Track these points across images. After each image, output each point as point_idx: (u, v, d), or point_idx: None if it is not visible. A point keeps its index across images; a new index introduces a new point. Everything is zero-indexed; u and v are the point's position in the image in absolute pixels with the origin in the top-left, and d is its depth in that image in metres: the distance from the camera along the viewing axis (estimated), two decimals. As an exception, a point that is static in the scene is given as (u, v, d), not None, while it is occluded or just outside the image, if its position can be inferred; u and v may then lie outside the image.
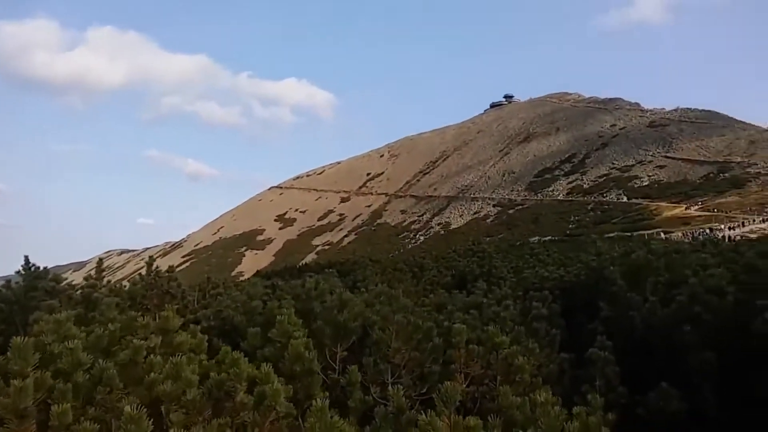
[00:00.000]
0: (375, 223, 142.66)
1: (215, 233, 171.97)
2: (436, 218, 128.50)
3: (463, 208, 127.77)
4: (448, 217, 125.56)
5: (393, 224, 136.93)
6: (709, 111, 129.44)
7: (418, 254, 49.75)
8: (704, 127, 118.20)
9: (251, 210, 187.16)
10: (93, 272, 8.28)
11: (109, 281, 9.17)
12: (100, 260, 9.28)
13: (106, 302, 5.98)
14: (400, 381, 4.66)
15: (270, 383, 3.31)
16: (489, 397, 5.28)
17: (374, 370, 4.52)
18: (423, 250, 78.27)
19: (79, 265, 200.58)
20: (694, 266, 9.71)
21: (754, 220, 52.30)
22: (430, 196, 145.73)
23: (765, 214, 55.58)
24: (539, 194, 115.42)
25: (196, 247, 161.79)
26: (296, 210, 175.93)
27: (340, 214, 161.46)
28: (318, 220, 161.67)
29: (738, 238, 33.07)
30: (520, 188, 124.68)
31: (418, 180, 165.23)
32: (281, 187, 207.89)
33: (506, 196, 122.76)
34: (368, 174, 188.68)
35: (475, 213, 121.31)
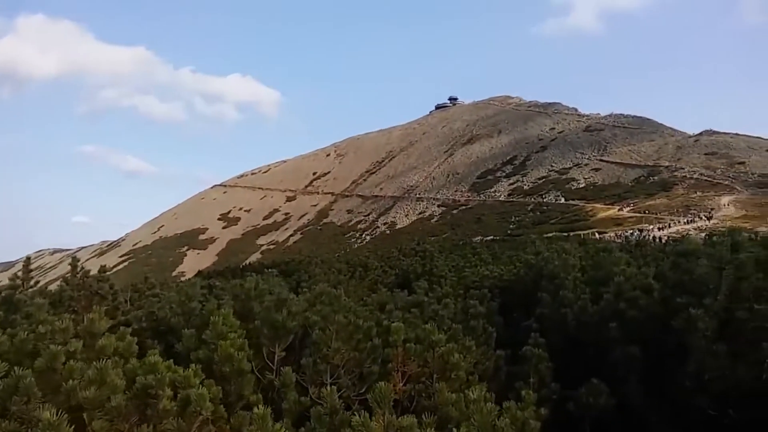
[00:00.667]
0: (321, 223, 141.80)
1: (155, 232, 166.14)
2: (382, 218, 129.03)
3: (409, 208, 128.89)
4: (394, 217, 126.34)
5: (339, 224, 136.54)
6: (640, 117, 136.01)
7: (363, 254, 49.84)
8: (636, 133, 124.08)
9: (194, 208, 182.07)
10: (20, 273, 7.83)
11: (37, 282, 8.70)
12: (28, 259, 8.79)
13: (36, 304, 5.67)
14: (339, 381, 4.66)
15: (194, 387, 3.22)
16: (426, 395, 5.36)
17: (313, 371, 4.49)
18: (369, 249, 78.43)
19: (6, 266, 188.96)
20: (623, 265, 10.19)
21: (679, 221, 55.35)
22: (377, 196, 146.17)
23: (690, 215, 58.96)
24: (482, 195, 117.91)
25: (135, 247, 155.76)
26: (240, 209, 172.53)
27: (286, 214, 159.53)
28: (263, 219, 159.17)
29: (665, 238, 34.89)
30: (463, 189, 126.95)
31: (365, 180, 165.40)
32: (225, 186, 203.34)
33: (450, 197, 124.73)
34: (314, 173, 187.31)
35: (420, 213, 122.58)
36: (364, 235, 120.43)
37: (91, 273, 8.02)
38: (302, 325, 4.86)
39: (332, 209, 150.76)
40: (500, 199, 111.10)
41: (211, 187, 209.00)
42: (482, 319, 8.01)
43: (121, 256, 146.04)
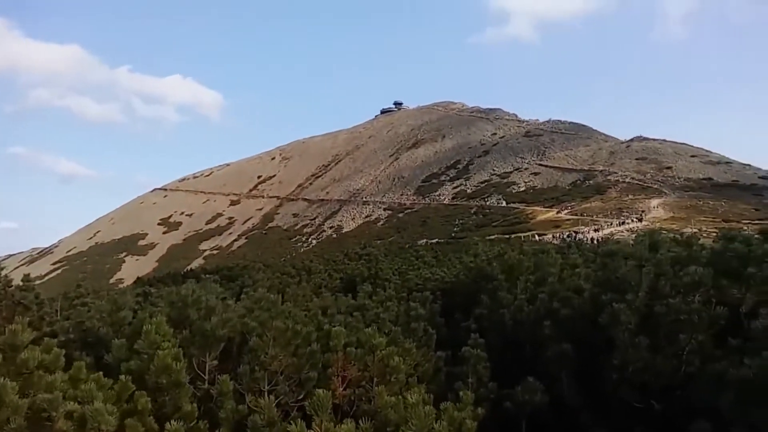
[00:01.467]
0: (266, 227, 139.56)
1: (91, 238, 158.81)
2: (328, 222, 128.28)
3: (355, 211, 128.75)
4: (341, 221, 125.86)
5: (285, 228, 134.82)
6: (576, 123, 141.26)
7: (309, 258, 49.40)
8: (572, 138, 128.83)
9: (132, 213, 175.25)
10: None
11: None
12: (-56, 269, 8.24)
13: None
14: (277, 388, 4.62)
15: (96, 401, 3.10)
16: (365, 399, 5.39)
17: (250, 379, 4.43)
18: (315, 253, 77.83)
19: None
20: (558, 266, 10.59)
21: (612, 223, 57.91)
22: (323, 200, 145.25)
23: (622, 218, 61.75)
24: (427, 198, 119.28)
25: (69, 254, 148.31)
26: (182, 213, 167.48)
27: (230, 218, 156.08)
28: (206, 224, 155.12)
29: (600, 239, 36.40)
30: (409, 192, 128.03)
31: (311, 183, 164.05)
32: (165, 189, 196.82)
33: (396, 200, 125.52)
34: (259, 176, 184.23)
35: (366, 216, 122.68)
36: (310, 239, 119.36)
37: (16, 282, 7.61)
38: (239, 332, 4.79)
39: (278, 213, 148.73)
40: (444, 202, 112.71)
41: (151, 191, 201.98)
42: (423, 322, 8.13)
43: (53, 264, 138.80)
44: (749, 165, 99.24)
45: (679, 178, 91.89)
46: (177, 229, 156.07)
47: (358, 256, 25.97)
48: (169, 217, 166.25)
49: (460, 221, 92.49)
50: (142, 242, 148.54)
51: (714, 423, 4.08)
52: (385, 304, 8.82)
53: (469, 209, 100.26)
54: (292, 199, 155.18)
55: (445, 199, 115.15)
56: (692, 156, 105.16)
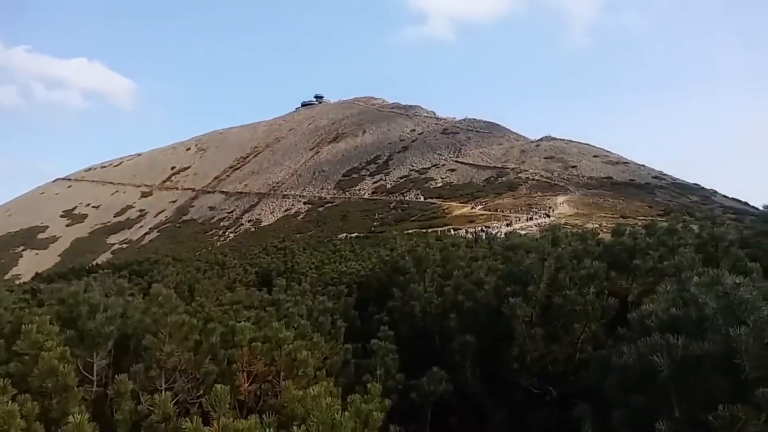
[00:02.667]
0: (180, 220, 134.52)
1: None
2: (246, 215, 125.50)
3: (274, 204, 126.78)
4: (259, 214, 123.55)
5: (200, 221, 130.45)
6: (490, 122, 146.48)
7: (224, 252, 47.97)
8: (487, 136, 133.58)
9: (31, 204, 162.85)
10: None
11: None
12: None
13: None
14: (175, 386, 4.45)
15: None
16: (272, 394, 5.32)
17: (145, 377, 4.23)
18: (232, 247, 75.83)
19: None
20: (468, 259, 10.95)
21: (520, 219, 60.76)
22: (241, 193, 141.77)
23: (532, 213, 64.92)
24: (347, 192, 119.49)
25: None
26: (88, 205, 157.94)
27: (141, 210, 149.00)
28: (114, 216, 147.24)
29: (510, 234, 37.98)
30: (329, 186, 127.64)
31: (228, 175, 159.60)
32: (70, 179, 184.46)
33: (316, 194, 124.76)
34: (173, 168, 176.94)
35: (286, 210, 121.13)
36: (227, 233, 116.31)
37: None
38: (132, 329, 4.56)
39: (193, 206, 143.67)
40: (365, 196, 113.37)
41: (53, 181, 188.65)
42: (334, 315, 8.15)
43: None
44: (644, 165, 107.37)
45: (582, 176, 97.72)
46: (82, 222, 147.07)
47: (275, 249, 25.54)
48: (74, 208, 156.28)
49: (380, 216, 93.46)
50: (42, 235, 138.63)
51: (602, 406, 4.37)
52: (296, 299, 8.73)
53: (388, 204, 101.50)
54: (209, 192, 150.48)
55: (365, 193, 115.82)
56: (594, 156, 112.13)
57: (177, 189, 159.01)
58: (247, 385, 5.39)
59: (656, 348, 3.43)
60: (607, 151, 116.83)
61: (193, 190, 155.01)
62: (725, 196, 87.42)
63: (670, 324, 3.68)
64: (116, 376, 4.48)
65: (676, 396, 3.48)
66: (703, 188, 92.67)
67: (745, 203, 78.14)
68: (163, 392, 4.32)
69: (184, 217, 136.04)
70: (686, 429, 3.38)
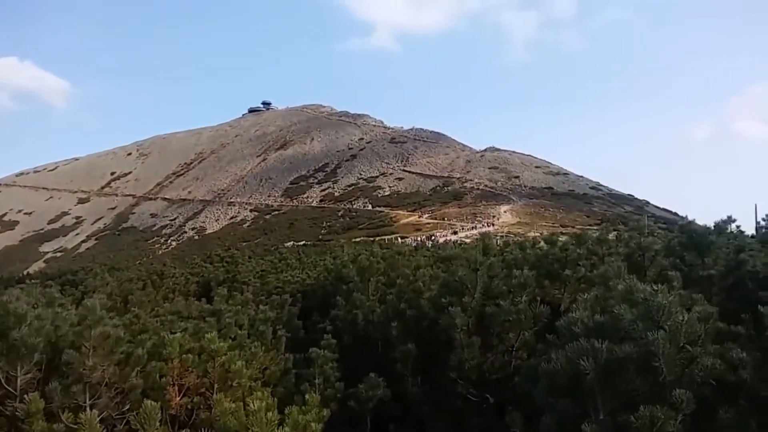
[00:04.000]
0: (120, 227, 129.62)
1: None
2: (190, 222, 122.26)
3: (219, 212, 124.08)
4: (204, 222, 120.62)
5: (141, 228, 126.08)
6: (437, 132, 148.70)
7: (168, 261, 46.46)
8: (433, 146, 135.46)
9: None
10: None
11: None
12: None
13: None
14: (99, 402, 4.24)
15: None
16: (205, 407, 5.17)
17: (63, 393, 4.01)
18: (175, 255, 73.66)
19: None
20: (412, 268, 11.03)
21: (464, 227, 61.93)
22: (184, 200, 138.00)
23: (476, 222, 66.26)
24: (295, 200, 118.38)
25: None
26: (19, 211, 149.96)
27: (77, 217, 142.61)
28: (48, 224, 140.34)
29: (456, 242, 38.58)
30: (276, 194, 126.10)
31: (171, 182, 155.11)
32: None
33: (263, 202, 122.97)
34: (113, 173, 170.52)
35: (231, 218, 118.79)
36: (169, 241, 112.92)
37: None
38: (54, 342, 4.33)
39: (133, 213, 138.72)
40: (312, 204, 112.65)
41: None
42: (276, 324, 8.01)
43: None
44: (582, 176, 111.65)
45: (525, 186, 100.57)
46: (13, 229, 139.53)
47: (218, 258, 24.95)
48: (4, 215, 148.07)
49: (328, 224, 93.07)
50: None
51: (534, 411, 4.47)
52: (237, 309, 8.53)
53: (336, 212, 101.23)
54: (150, 198, 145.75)
55: (313, 201, 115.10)
56: (536, 167, 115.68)
57: (116, 195, 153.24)
58: (178, 398, 5.21)
59: (582, 353, 3.55)
60: (548, 162, 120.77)
61: (133, 196, 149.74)
62: (657, 207, 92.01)
63: (595, 330, 3.82)
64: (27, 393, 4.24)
65: (601, 398, 3.61)
66: (636, 199, 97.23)
67: (675, 213, 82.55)
68: (88, 409, 4.11)
69: (124, 225, 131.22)
70: (610, 430, 3.51)
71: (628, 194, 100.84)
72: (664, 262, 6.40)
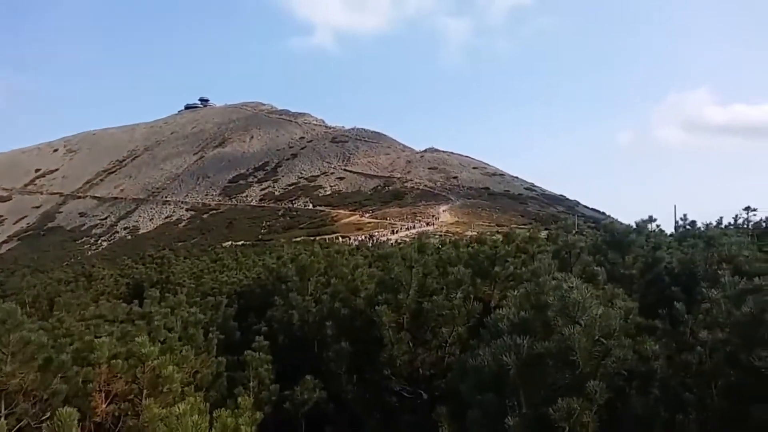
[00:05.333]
0: (45, 227, 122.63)
1: None
2: (122, 222, 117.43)
3: (154, 211, 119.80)
4: (137, 221, 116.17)
5: (69, 228, 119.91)
6: (378, 132, 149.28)
7: (94, 262, 44.41)
8: (375, 146, 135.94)
9: None
10: None
11: None
12: None
13: None
14: (17, 409, 4.04)
15: None
16: (133, 413, 5.02)
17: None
18: (105, 257, 70.59)
19: None
20: (350, 266, 11.06)
21: (404, 227, 62.65)
22: (116, 198, 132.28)
23: (416, 221, 67.10)
24: (233, 199, 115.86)
25: None
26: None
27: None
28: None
29: (397, 241, 38.93)
30: (214, 193, 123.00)
31: (102, 179, 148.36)
32: None
33: (200, 201, 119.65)
34: (38, 170, 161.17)
35: (167, 217, 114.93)
36: (100, 241, 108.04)
37: None
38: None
39: (60, 212, 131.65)
40: (252, 203, 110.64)
41: None
42: (209, 326, 7.85)
43: None
44: (518, 177, 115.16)
45: (463, 187, 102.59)
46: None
47: (151, 259, 24.10)
48: None
49: (268, 223, 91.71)
50: None
51: (465, 406, 4.61)
52: (168, 311, 8.30)
53: (276, 211, 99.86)
54: (79, 197, 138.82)
55: (252, 200, 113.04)
56: (474, 168, 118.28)
57: (41, 193, 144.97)
58: (104, 405, 5.03)
59: (506, 349, 3.70)
60: (485, 164, 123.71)
61: (60, 194, 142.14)
62: (586, 207, 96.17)
63: (520, 326, 3.99)
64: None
65: (524, 392, 3.78)
66: (568, 199, 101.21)
67: (603, 213, 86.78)
68: (2, 418, 3.92)
69: (50, 224, 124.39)
70: (532, 423, 3.68)
71: (561, 195, 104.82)
72: (588, 259, 6.73)
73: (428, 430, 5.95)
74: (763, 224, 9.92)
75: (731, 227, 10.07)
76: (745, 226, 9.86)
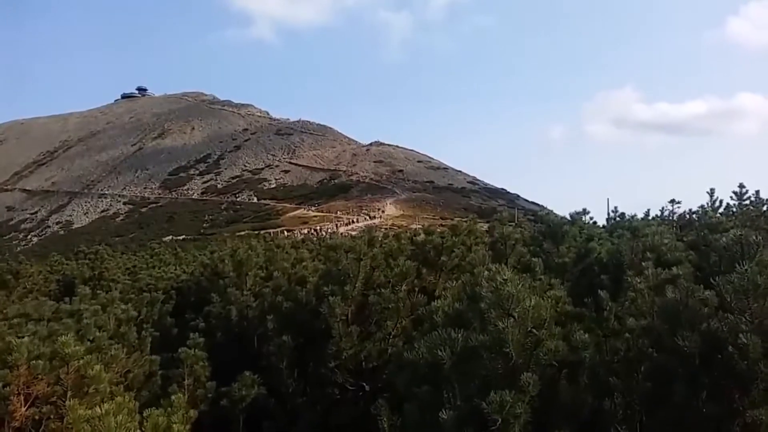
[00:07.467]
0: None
1: None
2: (54, 216, 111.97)
3: (89, 205, 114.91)
4: (70, 216, 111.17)
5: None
6: (323, 125, 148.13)
7: (21, 258, 41.94)
8: (320, 139, 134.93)
9: None
10: None
11: None
12: None
13: None
14: None
15: None
16: (56, 417, 4.78)
17: None
18: (36, 253, 67.05)
19: None
20: (292, 260, 10.94)
21: (350, 220, 62.72)
22: (47, 191, 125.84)
23: (362, 214, 67.24)
24: (174, 192, 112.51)
25: None
26: None
27: None
28: None
29: (343, 234, 38.84)
30: (153, 186, 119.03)
31: (31, 171, 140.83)
32: None
33: (139, 194, 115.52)
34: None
35: (103, 211, 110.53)
36: (30, 237, 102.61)
37: None
38: None
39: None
40: (194, 197, 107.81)
41: None
42: (143, 324, 7.58)
43: None
44: (461, 171, 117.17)
45: (408, 180, 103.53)
46: None
47: (84, 254, 23.00)
48: None
49: (210, 217, 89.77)
50: None
51: (403, 399, 4.63)
52: (99, 308, 7.94)
53: (219, 205, 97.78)
54: (6, 189, 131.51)
55: (194, 193, 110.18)
56: (419, 161, 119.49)
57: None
58: (24, 409, 4.76)
59: (441, 342, 3.73)
60: (430, 157, 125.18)
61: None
62: (526, 200, 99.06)
63: (455, 318, 4.04)
64: None
65: (458, 385, 3.82)
66: (509, 193, 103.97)
67: (542, 206, 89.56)
68: None
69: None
70: (465, 415, 3.72)
71: (502, 188, 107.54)
72: (523, 250, 6.90)
73: (369, 423, 5.97)
74: (686, 216, 10.48)
75: (658, 218, 10.60)
76: (670, 217, 10.38)
